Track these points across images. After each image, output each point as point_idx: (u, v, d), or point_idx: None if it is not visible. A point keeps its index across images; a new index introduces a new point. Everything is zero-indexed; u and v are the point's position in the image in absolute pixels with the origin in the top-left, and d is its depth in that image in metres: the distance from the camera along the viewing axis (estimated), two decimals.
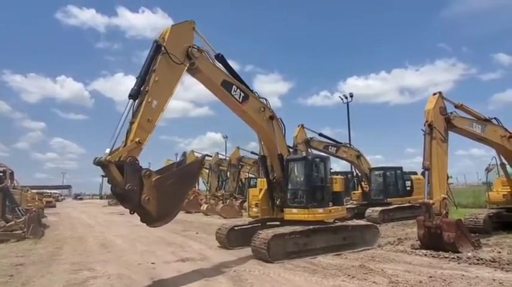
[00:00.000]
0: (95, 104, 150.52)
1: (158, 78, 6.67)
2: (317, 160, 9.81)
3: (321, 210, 9.01)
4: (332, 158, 17.45)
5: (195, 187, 30.39)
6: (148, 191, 5.97)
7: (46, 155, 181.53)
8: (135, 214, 6.18)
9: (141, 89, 6.56)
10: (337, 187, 9.55)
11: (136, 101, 6.47)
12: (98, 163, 5.84)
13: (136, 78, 6.62)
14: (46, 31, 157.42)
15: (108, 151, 5.86)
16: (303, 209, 8.98)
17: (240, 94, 8.72)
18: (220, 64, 8.52)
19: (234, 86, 8.61)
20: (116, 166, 5.82)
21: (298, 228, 8.41)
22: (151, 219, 6.28)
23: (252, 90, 9.17)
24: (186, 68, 7.37)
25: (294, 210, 9.16)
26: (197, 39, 7.73)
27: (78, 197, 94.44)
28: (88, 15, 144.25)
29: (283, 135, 10.00)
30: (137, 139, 6.14)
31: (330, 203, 9.26)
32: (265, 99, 9.49)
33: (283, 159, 9.62)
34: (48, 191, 58.74)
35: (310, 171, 9.39)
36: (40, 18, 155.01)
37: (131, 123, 6.32)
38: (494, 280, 5.93)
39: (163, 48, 6.82)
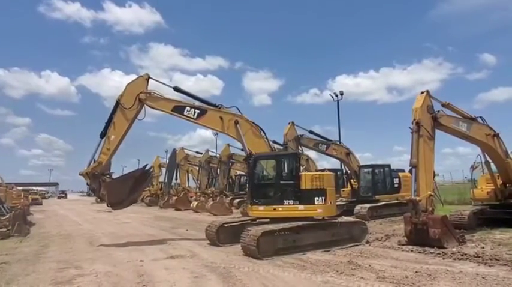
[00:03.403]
0: (81, 99, 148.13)
1: (115, 121, 10.57)
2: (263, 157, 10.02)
3: (261, 207, 9.24)
4: (322, 155, 17.65)
5: (186, 184, 30.31)
6: (103, 189, 10.50)
7: (31, 151, 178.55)
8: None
9: (106, 130, 10.51)
10: (304, 185, 9.02)
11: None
12: (80, 174, 10.49)
13: (105, 123, 10.52)
14: (29, 24, 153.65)
15: (86, 167, 10.46)
16: (249, 206, 9.56)
17: (195, 112, 10.73)
18: (180, 93, 11.19)
19: (186, 108, 10.74)
20: (90, 175, 10.40)
21: (287, 225, 8.45)
22: (109, 204, 10.79)
23: (215, 105, 10.97)
24: (138, 108, 10.65)
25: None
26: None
27: (61, 194, 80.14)
28: (73, 8, 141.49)
29: (259, 135, 10.73)
30: (99, 160, 10.44)
31: (289, 201, 9.00)
32: (237, 108, 11.09)
33: (249, 157, 10.06)
34: (34, 188, 57.69)
35: (253, 169, 9.65)
36: (23, 10, 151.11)
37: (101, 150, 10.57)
38: (477, 274, 6.07)
39: (119, 104, 10.55)
